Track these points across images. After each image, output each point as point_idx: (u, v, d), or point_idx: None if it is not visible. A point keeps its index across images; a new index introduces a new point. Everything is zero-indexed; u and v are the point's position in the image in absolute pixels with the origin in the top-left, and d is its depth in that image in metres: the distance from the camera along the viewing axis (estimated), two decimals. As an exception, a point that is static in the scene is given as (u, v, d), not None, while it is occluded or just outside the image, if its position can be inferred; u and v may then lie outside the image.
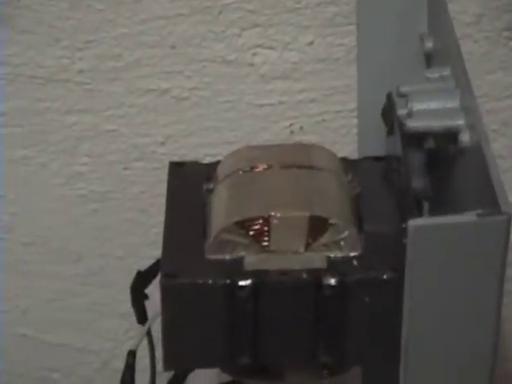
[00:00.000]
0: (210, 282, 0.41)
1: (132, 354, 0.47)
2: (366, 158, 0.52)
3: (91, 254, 0.75)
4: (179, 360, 0.43)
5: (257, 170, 0.46)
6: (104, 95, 0.68)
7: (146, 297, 0.48)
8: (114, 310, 0.75)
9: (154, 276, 0.46)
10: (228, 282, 0.41)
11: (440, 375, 0.40)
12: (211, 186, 0.48)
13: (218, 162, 0.49)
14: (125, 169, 0.71)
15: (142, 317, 0.48)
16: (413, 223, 0.35)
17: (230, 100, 0.68)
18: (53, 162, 0.71)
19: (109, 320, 0.77)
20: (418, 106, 0.44)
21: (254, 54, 0.67)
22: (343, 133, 0.69)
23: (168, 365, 0.42)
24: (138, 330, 0.49)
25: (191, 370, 0.47)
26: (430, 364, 0.39)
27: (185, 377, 0.50)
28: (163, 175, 0.51)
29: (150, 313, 0.49)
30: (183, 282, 0.41)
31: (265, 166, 0.46)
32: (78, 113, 0.69)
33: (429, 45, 0.51)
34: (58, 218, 0.74)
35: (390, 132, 0.49)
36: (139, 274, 0.47)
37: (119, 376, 0.49)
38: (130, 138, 0.70)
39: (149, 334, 0.49)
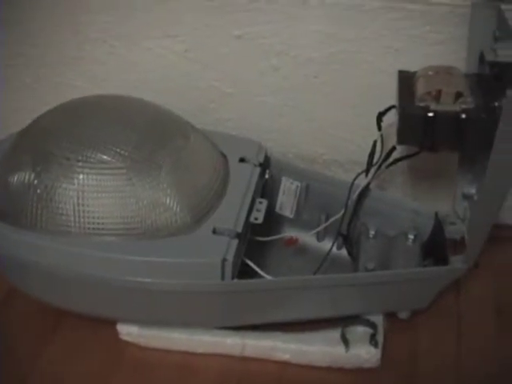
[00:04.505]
0: (420, 112, 1.02)
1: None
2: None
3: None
4: (404, 141, 1.06)
5: (429, 74, 1.10)
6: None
7: (381, 121, 1.13)
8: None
9: (389, 110, 1.11)
10: (423, 113, 1.02)
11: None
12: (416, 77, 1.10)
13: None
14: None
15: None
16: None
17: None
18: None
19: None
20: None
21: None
22: None
23: (399, 141, 1.05)
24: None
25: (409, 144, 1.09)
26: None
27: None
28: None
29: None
30: (408, 112, 1.03)
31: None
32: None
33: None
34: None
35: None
36: (380, 113, 1.13)
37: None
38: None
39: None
